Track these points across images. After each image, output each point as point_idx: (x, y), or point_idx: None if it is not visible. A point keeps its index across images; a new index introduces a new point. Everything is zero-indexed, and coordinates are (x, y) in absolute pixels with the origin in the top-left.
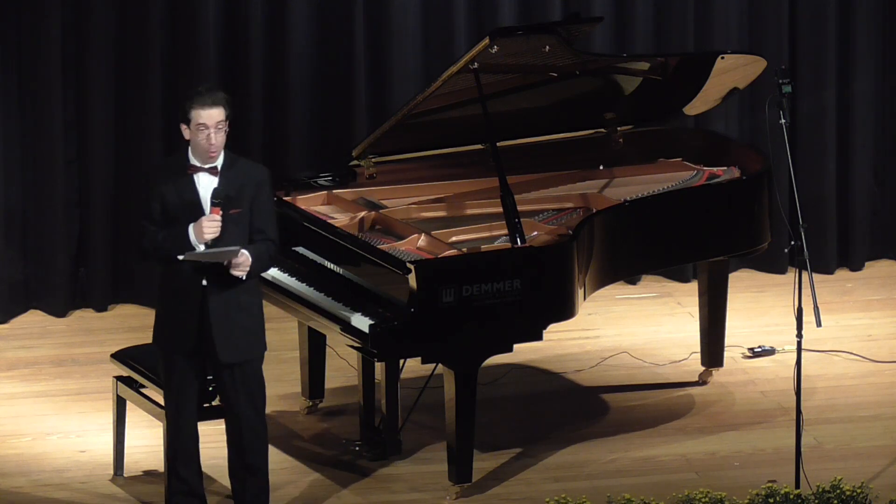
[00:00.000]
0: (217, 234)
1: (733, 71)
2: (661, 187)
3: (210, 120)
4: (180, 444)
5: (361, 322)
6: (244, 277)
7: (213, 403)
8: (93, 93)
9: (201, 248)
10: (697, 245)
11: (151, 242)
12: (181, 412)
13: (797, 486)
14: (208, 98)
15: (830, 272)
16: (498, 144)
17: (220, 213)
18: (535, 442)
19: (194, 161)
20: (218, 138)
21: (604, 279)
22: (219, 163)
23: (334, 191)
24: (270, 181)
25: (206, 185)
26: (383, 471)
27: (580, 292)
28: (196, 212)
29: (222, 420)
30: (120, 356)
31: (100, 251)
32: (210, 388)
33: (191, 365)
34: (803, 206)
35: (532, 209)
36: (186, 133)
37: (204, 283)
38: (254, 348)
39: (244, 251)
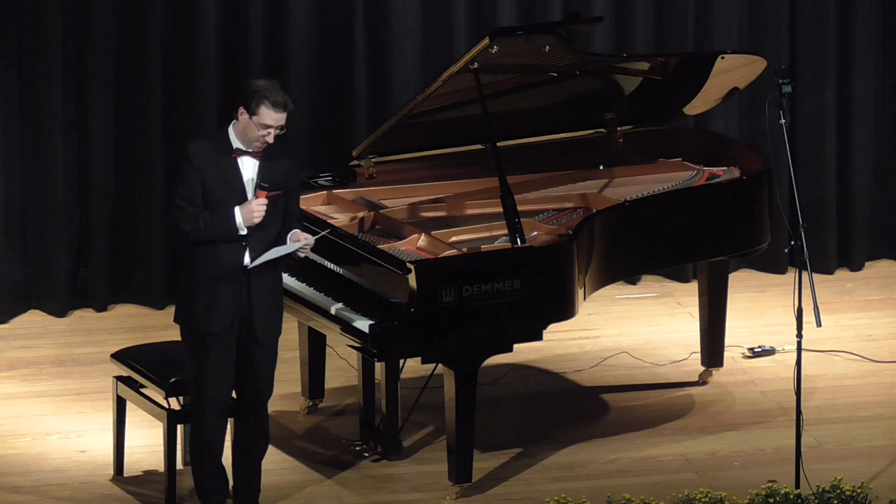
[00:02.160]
0: (262, 219)
1: (733, 71)
2: (661, 187)
3: (275, 123)
4: (213, 436)
5: (361, 322)
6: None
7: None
8: (93, 93)
9: (243, 231)
10: (697, 245)
11: (192, 225)
12: (218, 399)
13: (797, 486)
14: (281, 100)
15: (830, 272)
16: (498, 144)
17: (265, 196)
18: (535, 442)
19: (238, 144)
20: (274, 139)
21: (604, 279)
22: None
23: (334, 191)
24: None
25: (249, 167)
26: (383, 471)
27: (580, 292)
28: (240, 194)
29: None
30: (120, 356)
31: (100, 251)
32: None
33: (226, 343)
34: (803, 206)
35: (532, 209)
36: (244, 118)
37: (246, 264)
38: (280, 328)
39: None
